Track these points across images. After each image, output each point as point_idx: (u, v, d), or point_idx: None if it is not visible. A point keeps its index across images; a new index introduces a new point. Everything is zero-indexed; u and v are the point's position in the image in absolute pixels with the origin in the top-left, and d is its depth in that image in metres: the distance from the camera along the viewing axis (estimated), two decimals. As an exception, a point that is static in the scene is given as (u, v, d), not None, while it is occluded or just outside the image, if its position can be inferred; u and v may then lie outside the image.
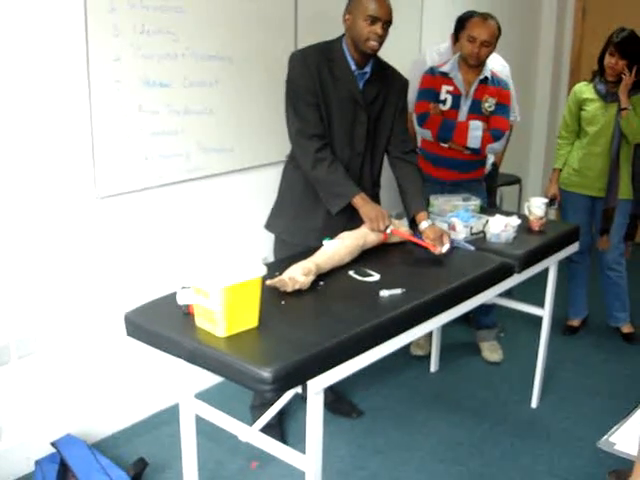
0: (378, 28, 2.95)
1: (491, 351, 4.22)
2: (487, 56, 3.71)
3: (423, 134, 3.90)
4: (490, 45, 3.65)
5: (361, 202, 3.01)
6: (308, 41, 3.18)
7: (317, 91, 3.00)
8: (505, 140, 3.80)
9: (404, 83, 3.28)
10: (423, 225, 3.04)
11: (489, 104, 3.74)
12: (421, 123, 3.85)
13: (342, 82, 3.04)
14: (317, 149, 2.99)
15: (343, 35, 3.08)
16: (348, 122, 3.10)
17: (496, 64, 4.07)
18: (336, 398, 3.47)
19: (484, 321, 4.25)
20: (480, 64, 3.73)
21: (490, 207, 4.15)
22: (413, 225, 3.13)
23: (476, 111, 3.76)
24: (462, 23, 3.94)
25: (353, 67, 3.06)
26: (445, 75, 3.81)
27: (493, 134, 3.74)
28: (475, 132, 3.71)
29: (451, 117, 3.78)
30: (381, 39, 2.99)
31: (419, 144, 4.06)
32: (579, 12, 6.19)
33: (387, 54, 4.55)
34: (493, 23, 3.65)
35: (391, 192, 4.78)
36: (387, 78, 3.18)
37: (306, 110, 3.01)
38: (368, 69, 3.09)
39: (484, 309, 4.08)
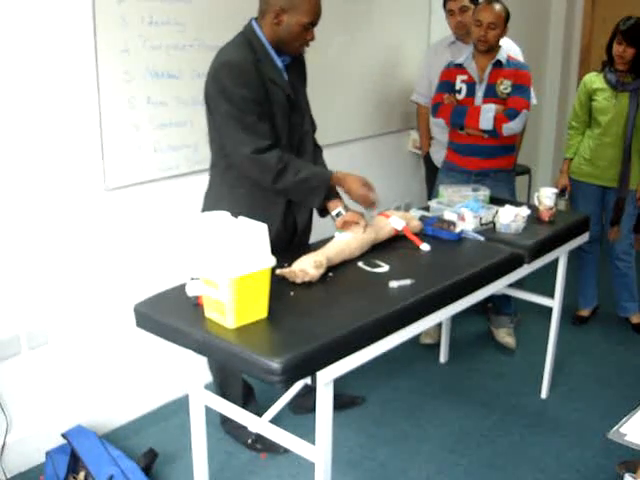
0: (312, 33, 2.78)
1: (506, 334, 4.25)
2: (496, 39, 3.69)
3: (437, 123, 3.91)
4: (497, 27, 3.64)
5: (341, 176, 2.85)
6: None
7: (262, 100, 2.75)
8: (522, 119, 3.72)
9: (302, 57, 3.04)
10: (340, 212, 2.88)
11: (504, 86, 3.71)
12: (434, 113, 3.87)
13: (277, 85, 2.80)
14: (277, 161, 2.73)
15: (252, 22, 2.83)
16: (286, 127, 2.87)
17: (511, 48, 4.05)
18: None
19: (504, 309, 4.27)
20: (490, 48, 3.71)
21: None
22: (324, 213, 2.99)
23: (492, 95, 3.73)
24: None
25: (279, 64, 2.83)
26: (460, 66, 3.81)
27: (507, 113, 3.68)
28: (487, 114, 3.68)
29: (468, 105, 3.77)
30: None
31: (443, 137, 4.06)
32: (588, 2, 6.15)
33: (397, 47, 4.57)
34: (498, 6, 3.65)
35: (390, 184, 4.80)
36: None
37: (257, 123, 2.72)
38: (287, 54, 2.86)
39: (504, 298, 4.09)
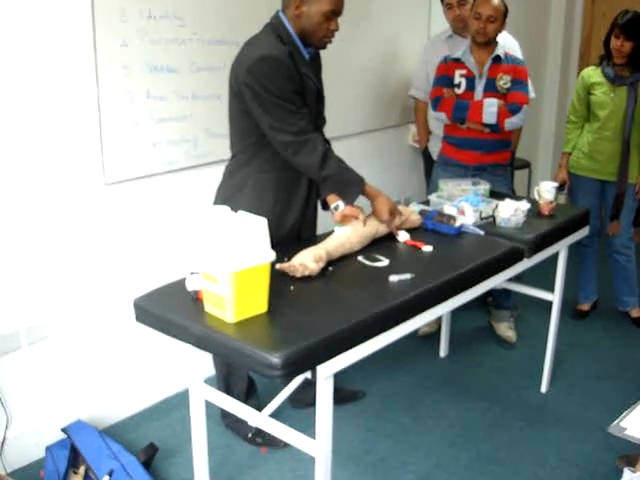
0: (335, 24, 2.78)
1: (506, 328, 4.26)
2: (495, 33, 3.69)
3: (438, 117, 3.89)
4: (496, 21, 3.65)
5: (374, 192, 2.91)
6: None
7: (299, 90, 2.79)
8: (524, 114, 3.74)
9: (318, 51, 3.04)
10: (339, 206, 2.88)
11: (504, 81, 3.71)
12: (435, 107, 3.85)
13: (308, 77, 2.84)
14: (322, 142, 2.82)
15: (280, 15, 2.82)
16: (314, 117, 2.91)
17: (507, 43, 4.06)
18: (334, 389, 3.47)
19: (504, 303, 4.27)
20: (489, 41, 3.71)
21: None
22: (325, 207, 3.03)
23: (491, 90, 3.73)
24: None
25: (307, 56, 2.86)
26: (457, 60, 3.80)
27: (510, 108, 3.69)
28: (490, 108, 3.68)
29: (467, 99, 3.77)
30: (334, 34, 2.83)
31: (442, 131, 4.05)
32: (589, -5, 6.16)
33: (396, 41, 4.56)
34: (497, 0, 3.65)
35: (390, 179, 4.80)
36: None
37: (301, 109, 2.77)
38: (311, 47, 2.89)
39: (504, 291, 4.10)
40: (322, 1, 2.72)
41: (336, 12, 2.77)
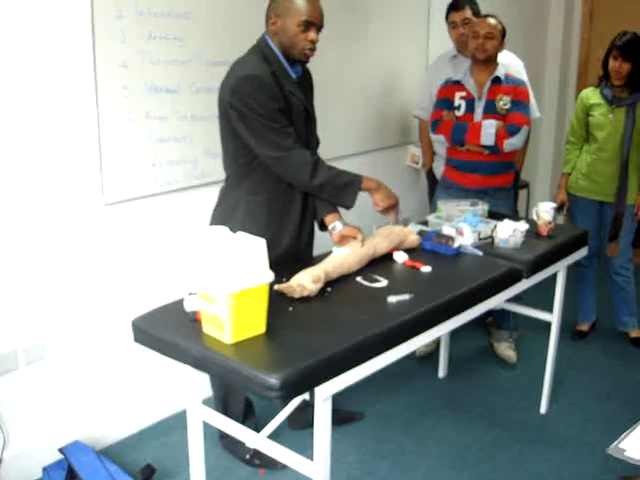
0: (313, 34, 2.75)
1: (507, 348, 4.25)
2: (494, 50, 3.71)
3: (438, 140, 3.91)
4: (494, 38, 3.67)
5: (374, 185, 2.90)
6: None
7: (284, 109, 2.78)
8: (523, 135, 3.73)
9: (308, 70, 3.05)
10: (336, 226, 2.94)
11: (504, 102, 3.72)
12: (434, 129, 3.87)
13: (294, 96, 2.84)
14: (311, 155, 2.80)
15: (264, 36, 2.85)
16: (302, 137, 2.91)
17: (512, 63, 4.08)
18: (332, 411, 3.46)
19: (504, 323, 4.27)
20: (489, 59, 3.73)
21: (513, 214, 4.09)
22: (323, 228, 3.05)
23: (491, 111, 3.74)
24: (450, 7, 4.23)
25: (293, 75, 2.86)
26: (458, 83, 3.82)
27: (508, 129, 3.69)
28: (488, 130, 3.69)
29: (467, 121, 3.78)
30: (315, 45, 2.79)
31: (446, 154, 4.06)
32: (586, 16, 6.18)
33: (394, 61, 4.58)
34: (494, 19, 3.70)
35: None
36: (304, 66, 2.97)
37: (286, 127, 2.77)
38: (299, 66, 2.91)
39: (504, 312, 4.08)
40: (295, 12, 2.72)
41: (311, 22, 2.74)
